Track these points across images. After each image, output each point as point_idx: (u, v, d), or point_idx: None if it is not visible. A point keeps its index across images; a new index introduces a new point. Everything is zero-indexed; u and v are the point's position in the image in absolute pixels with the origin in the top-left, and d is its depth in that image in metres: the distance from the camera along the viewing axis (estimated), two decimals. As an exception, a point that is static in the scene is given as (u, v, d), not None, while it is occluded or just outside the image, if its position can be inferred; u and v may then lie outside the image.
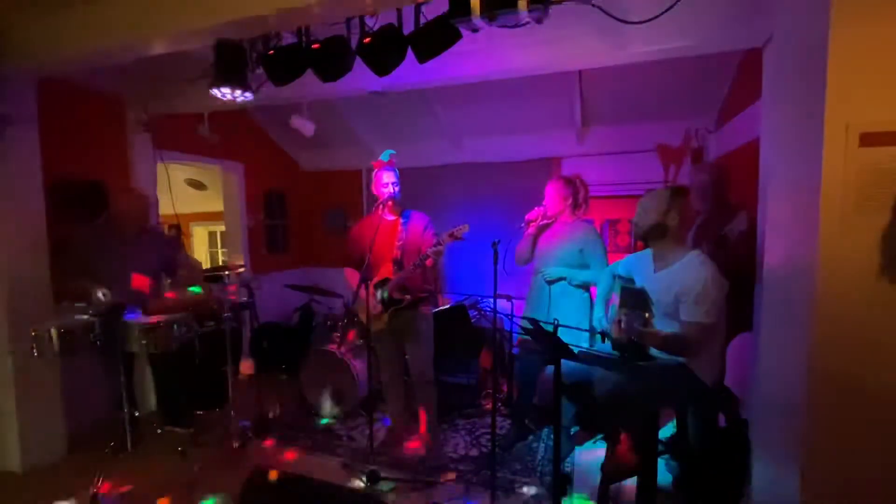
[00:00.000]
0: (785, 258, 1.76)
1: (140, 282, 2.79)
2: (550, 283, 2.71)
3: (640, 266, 2.18)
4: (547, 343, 1.75)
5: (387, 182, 2.58)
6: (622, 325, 1.89)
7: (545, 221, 2.75)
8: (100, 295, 2.53)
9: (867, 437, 1.44)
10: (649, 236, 2.02)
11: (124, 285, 2.72)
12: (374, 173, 2.64)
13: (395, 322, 2.63)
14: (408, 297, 2.55)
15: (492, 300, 2.36)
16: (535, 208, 2.73)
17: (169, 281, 3.07)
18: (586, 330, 2.58)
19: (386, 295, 2.56)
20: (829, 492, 1.49)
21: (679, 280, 1.91)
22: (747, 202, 2.32)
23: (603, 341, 2.16)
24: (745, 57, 2.86)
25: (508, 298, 3.25)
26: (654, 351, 2.00)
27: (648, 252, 2.15)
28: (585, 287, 2.71)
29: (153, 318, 2.63)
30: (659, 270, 2.04)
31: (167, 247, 3.17)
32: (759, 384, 2.01)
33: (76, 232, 2.82)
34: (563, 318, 2.20)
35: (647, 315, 1.86)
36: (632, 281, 2.14)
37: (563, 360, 1.75)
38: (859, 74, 1.39)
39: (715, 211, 2.52)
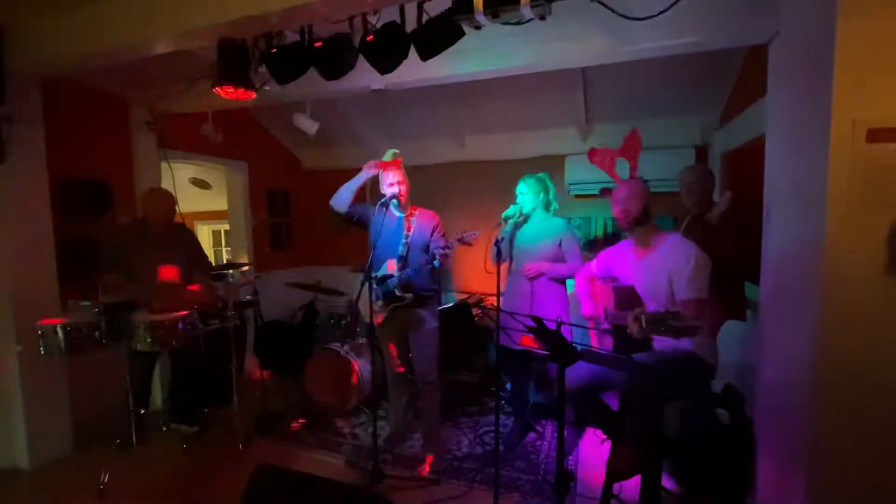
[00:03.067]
0: (791, 254, 1.75)
1: (168, 273, 2.86)
2: (532, 279, 2.72)
3: (619, 259, 2.21)
4: (551, 342, 1.75)
5: (392, 181, 2.58)
6: (643, 325, 1.84)
7: (520, 219, 2.77)
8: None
9: (874, 434, 1.43)
10: (639, 222, 2.10)
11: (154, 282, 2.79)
12: (381, 174, 2.65)
13: (397, 318, 2.63)
14: (409, 295, 2.55)
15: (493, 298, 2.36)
16: (511, 207, 2.74)
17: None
18: (583, 326, 2.57)
19: (389, 289, 2.56)
20: (834, 490, 1.48)
21: (669, 260, 1.96)
22: (750, 199, 2.30)
23: (613, 340, 2.16)
24: (751, 53, 2.84)
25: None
26: (658, 346, 2.00)
27: (624, 243, 2.21)
28: (562, 281, 2.74)
29: (158, 316, 2.64)
30: (643, 257, 2.08)
31: (194, 243, 3.29)
32: (763, 381, 2.00)
33: (108, 232, 2.94)
34: (546, 313, 2.20)
35: (677, 311, 1.83)
36: (615, 279, 2.17)
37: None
38: (866, 70, 1.38)
39: (702, 208, 2.59)
